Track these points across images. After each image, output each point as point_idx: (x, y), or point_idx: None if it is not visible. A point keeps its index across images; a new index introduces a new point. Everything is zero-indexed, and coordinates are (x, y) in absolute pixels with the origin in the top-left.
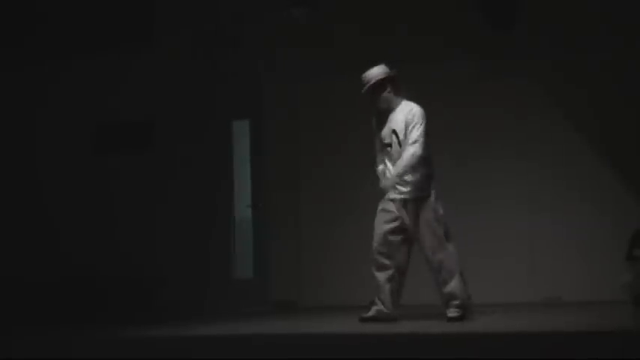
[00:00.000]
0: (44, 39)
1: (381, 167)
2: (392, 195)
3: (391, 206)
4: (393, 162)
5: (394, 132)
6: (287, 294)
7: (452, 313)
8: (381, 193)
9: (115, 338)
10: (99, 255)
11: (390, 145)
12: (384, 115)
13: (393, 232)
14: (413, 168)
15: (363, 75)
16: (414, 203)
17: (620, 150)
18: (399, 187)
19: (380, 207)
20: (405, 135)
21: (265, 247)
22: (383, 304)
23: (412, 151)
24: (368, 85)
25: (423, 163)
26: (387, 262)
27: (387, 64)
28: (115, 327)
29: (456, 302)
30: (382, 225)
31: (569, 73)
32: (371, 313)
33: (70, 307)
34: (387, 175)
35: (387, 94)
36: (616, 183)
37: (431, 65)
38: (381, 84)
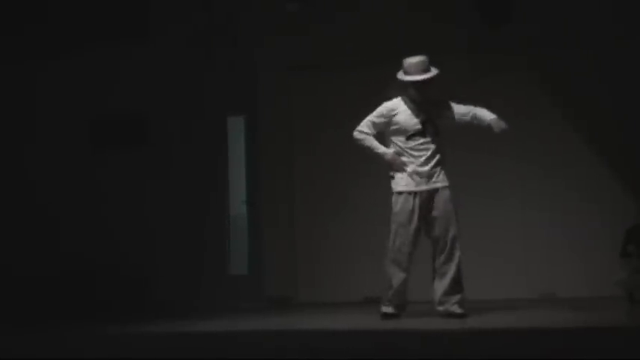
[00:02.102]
0: (38, 34)
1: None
2: (428, 185)
3: (411, 200)
4: (426, 152)
5: (430, 123)
6: (282, 290)
7: (459, 309)
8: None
9: (109, 335)
10: (93, 251)
11: (419, 134)
12: (415, 104)
13: (418, 228)
14: None
15: (426, 60)
16: (443, 192)
17: (616, 147)
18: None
19: (401, 202)
20: (460, 118)
21: (260, 244)
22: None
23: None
24: (434, 75)
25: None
26: (407, 260)
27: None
28: (109, 323)
29: (460, 297)
30: (410, 221)
31: (566, 70)
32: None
33: (64, 303)
34: (420, 165)
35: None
36: (611, 179)
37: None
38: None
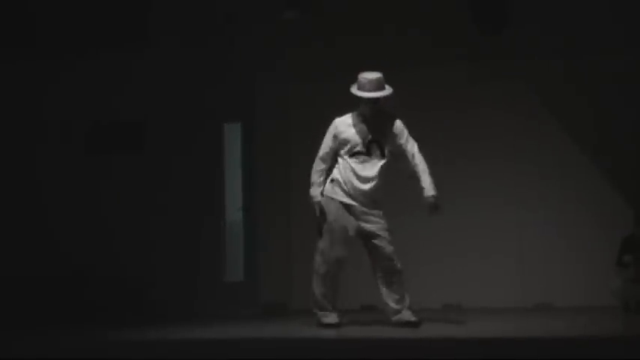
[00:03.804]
0: (37, 38)
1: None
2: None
3: (342, 209)
4: (365, 169)
5: (377, 141)
6: (277, 297)
7: (412, 317)
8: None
9: (104, 340)
10: (89, 255)
11: (363, 153)
12: (366, 121)
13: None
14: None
15: (378, 80)
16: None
17: (613, 154)
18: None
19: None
20: (394, 144)
21: (256, 250)
22: None
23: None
24: (390, 94)
25: None
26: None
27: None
28: (105, 328)
29: (408, 303)
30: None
31: (561, 75)
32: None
33: (61, 307)
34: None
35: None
36: (608, 188)
37: (423, 68)
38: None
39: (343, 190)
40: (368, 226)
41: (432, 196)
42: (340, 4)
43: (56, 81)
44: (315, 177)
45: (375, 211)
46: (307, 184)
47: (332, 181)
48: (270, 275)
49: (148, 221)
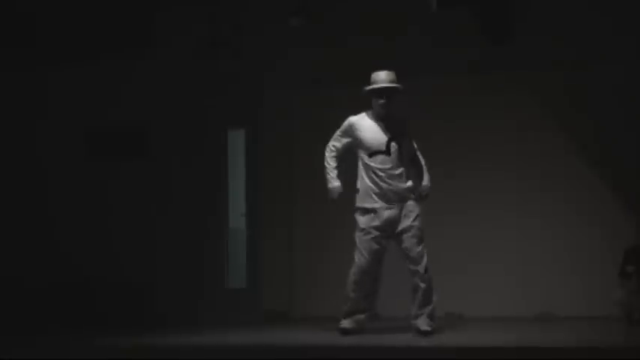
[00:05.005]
0: (41, 44)
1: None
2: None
3: (373, 217)
4: (388, 169)
5: (395, 140)
6: (279, 304)
7: (427, 326)
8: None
9: (103, 345)
10: (92, 262)
11: (383, 152)
12: (379, 121)
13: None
14: None
15: (389, 73)
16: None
17: (616, 164)
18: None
19: (365, 219)
20: (406, 145)
21: (258, 257)
22: None
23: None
24: (397, 87)
25: None
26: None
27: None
28: (104, 334)
29: (431, 311)
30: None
31: (563, 86)
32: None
33: (63, 313)
34: (388, 184)
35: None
36: (611, 198)
37: (425, 77)
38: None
39: (371, 196)
40: (399, 228)
41: (428, 187)
42: (344, 12)
43: (60, 86)
44: (332, 162)
45: (409, 207)
46: (310, 191)
47: (357, 191)
48: (272, 282)
49: (151, 227)
